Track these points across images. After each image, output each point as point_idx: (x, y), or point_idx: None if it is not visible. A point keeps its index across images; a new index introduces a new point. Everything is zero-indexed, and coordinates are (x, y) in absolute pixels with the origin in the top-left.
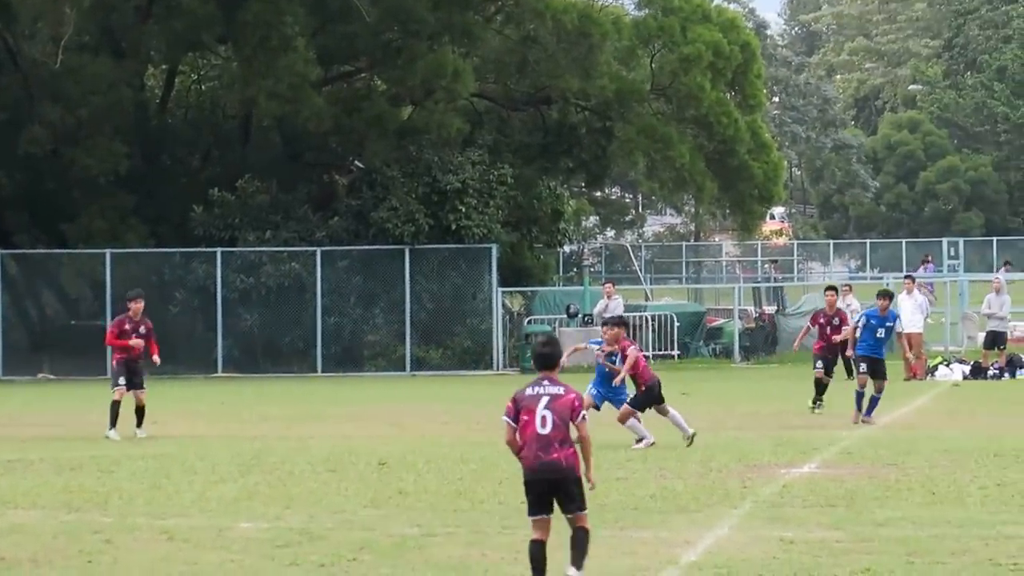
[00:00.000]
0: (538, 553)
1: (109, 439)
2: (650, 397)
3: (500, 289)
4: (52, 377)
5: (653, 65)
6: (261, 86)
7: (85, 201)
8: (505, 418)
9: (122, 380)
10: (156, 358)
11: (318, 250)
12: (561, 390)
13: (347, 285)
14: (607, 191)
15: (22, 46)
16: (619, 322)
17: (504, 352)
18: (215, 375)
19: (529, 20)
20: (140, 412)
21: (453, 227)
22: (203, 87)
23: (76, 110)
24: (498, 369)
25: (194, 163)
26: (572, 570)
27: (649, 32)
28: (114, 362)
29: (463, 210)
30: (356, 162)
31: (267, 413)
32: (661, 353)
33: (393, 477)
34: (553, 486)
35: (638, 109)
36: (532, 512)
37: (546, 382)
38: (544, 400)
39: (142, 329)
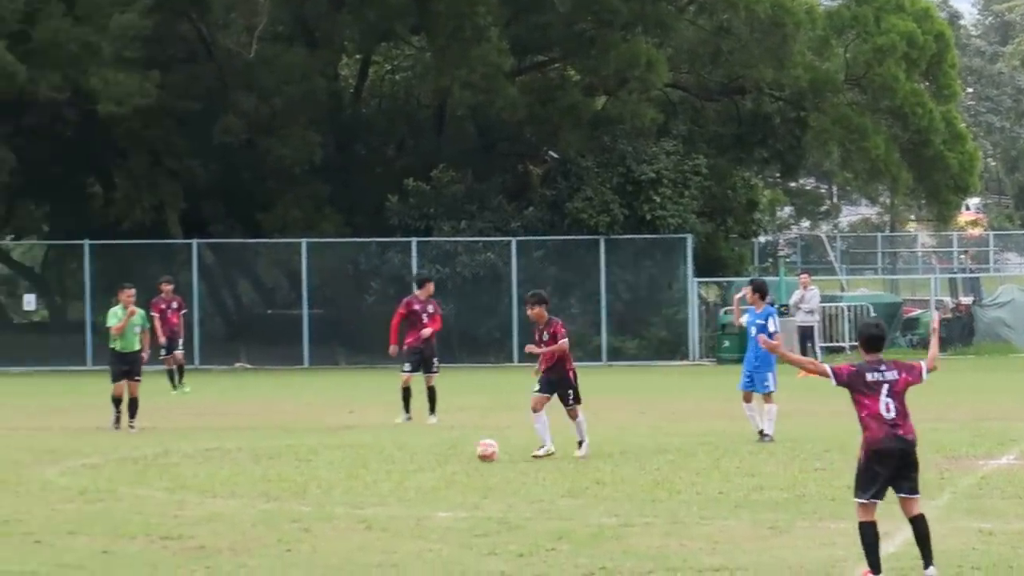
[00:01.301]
0: (873, 534)
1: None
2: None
3: (695, 279)
4: (248, 366)
5: (847, 55)
6: (455, 76)
7: (280, 190)
8: (833, 370)
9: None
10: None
11: (513, 240)
12: (896, 375)
13: (542, 275)
14: (801, 182)
15: (216, 36)
16: (539, 300)
17: (700, 343)
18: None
19: (722, 10)
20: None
21: (648, 217)
22: (397, 77)
23: (270, 100)
24: (694, 360)
25: (388, 152)
26: (932, 570)
27: (843, 22)
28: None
29: (658, 200)
30: (550, 152)
31: (464, 403)
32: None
33: (590, 467)
34: (903, 457)
35: (832, 99)
36: (866, 494)
37: (882, 367)
38: (885, 388)
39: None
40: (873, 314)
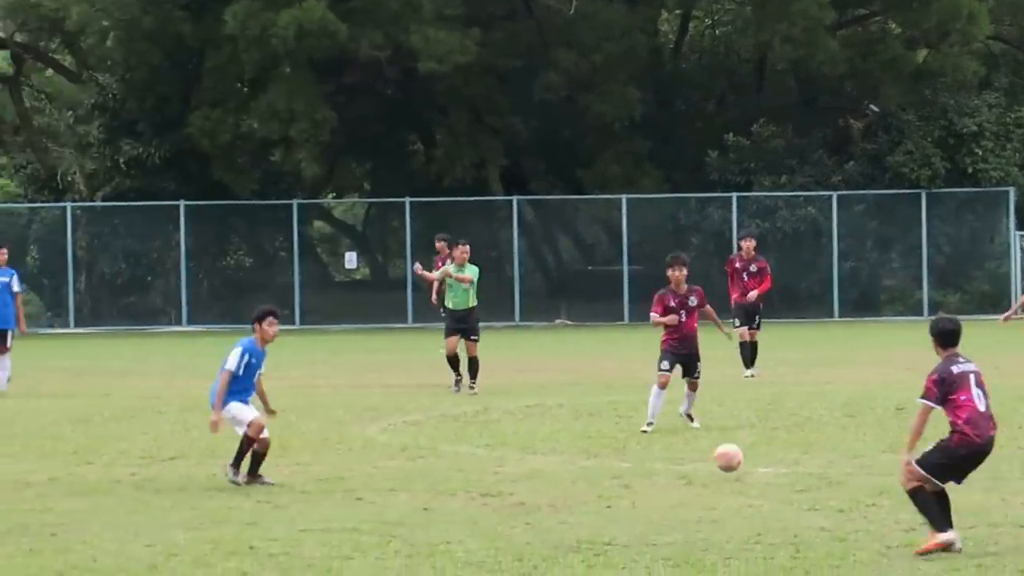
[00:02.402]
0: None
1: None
2: None
3: (1018, 233)
4: (569, 323)
5: None
6: (775, 30)
7: (600, 147)
8: (924, 401)
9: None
10: None
11: (834, 194)
12: (974, 366)
13: (863, 230)
14: None
15: None
16: (684, 262)
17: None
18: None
19: None
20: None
21: (969, 171)
22: (717, 32)
23: (590, 56)
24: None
25: (708, 108)
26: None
27: None
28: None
29: (979, 153)
30: (871, 106)
31: (784, 358)
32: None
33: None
34: (983, 460)
35: None
36: (947, 479)
37: (961, 359)
38: (972, 378)
39: None
40: None
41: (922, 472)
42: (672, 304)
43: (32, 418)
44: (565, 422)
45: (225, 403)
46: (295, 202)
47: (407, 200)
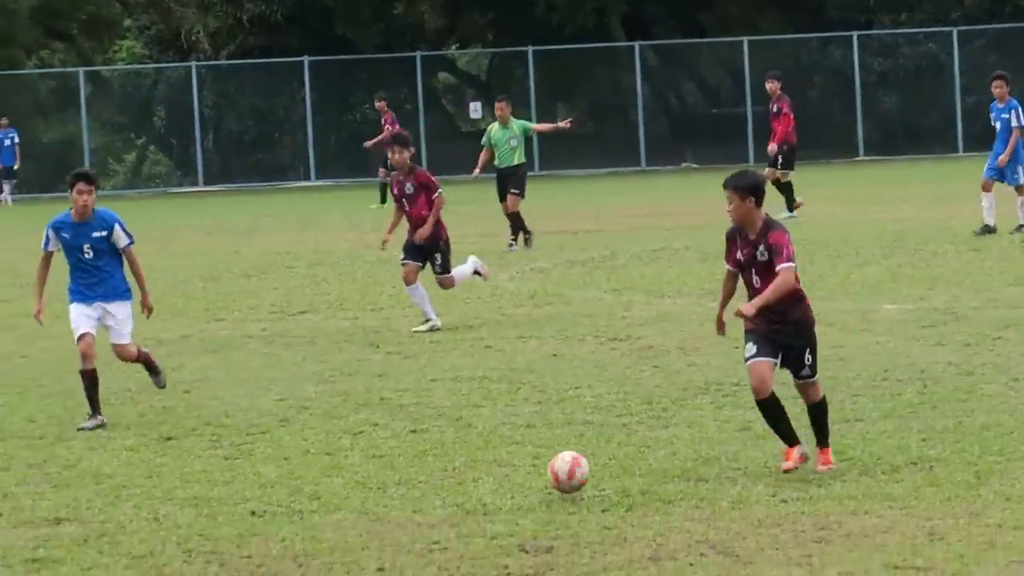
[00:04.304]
0: None
1: None
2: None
3: None
4: (695, 166)
5: None
6: None
7: None
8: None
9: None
10: None
11: (954, 30)
12: None
13: (984, 64)
14: None
15: None
16: (403, 142)
17: None
18: (856, 159)
19: None
20: None
21: None
22: None
23: None
24: None
25: None
26: None
27: None
28: None
29: None
30: None
31: (907, 194)
32: None
33: None
34: None
35: None
36: None
37: None
38: None
39: None
40: None
41: None
42: None
43: (163, 276)
44: (692, 265)
45: (69, 298)
46: (418, 54)
47: (529, 49)
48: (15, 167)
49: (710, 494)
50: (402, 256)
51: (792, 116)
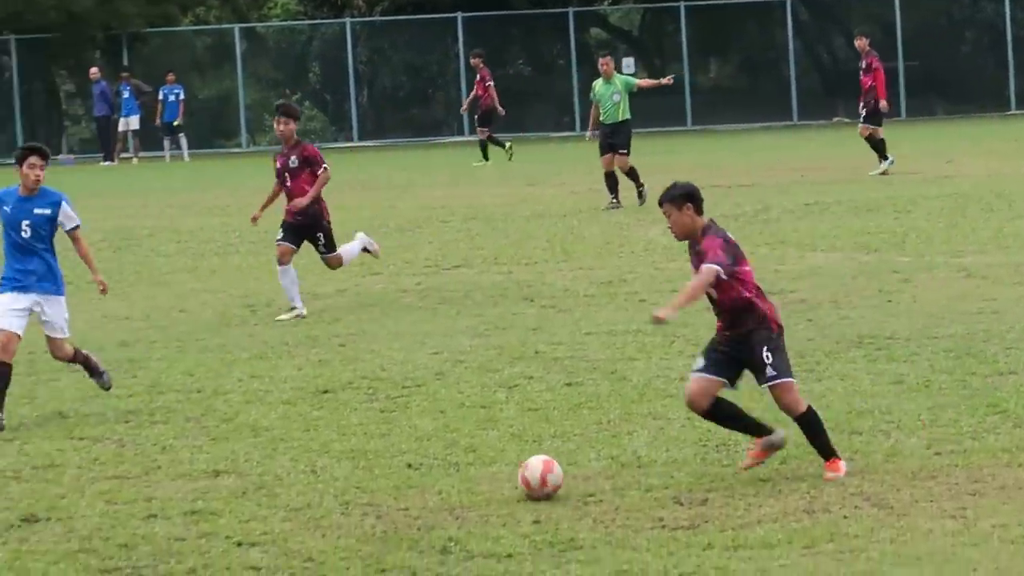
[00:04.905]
0: None
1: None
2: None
3: None
4: (847, 120)
5: None
6: None
7: None
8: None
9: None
10: None
11: None
12: None
13: None
14: None
15: None
16: (288, 112)
17: None
18: (1008, 112)
19: None
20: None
21: None
22: None
23: None
24: None
25: None
26: None
27: None
28: None
29: None
30: None
31: None
32: None
33: None
34: None
35: None
36: None
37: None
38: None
39: None
40: None
41: None
42: None
43: None
44: (844, 218)
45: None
46: (571, 10)
47: (682, 4)
48: (176, 123)
49: (864, 447)
50: (280, 235)
51: (883, 72)
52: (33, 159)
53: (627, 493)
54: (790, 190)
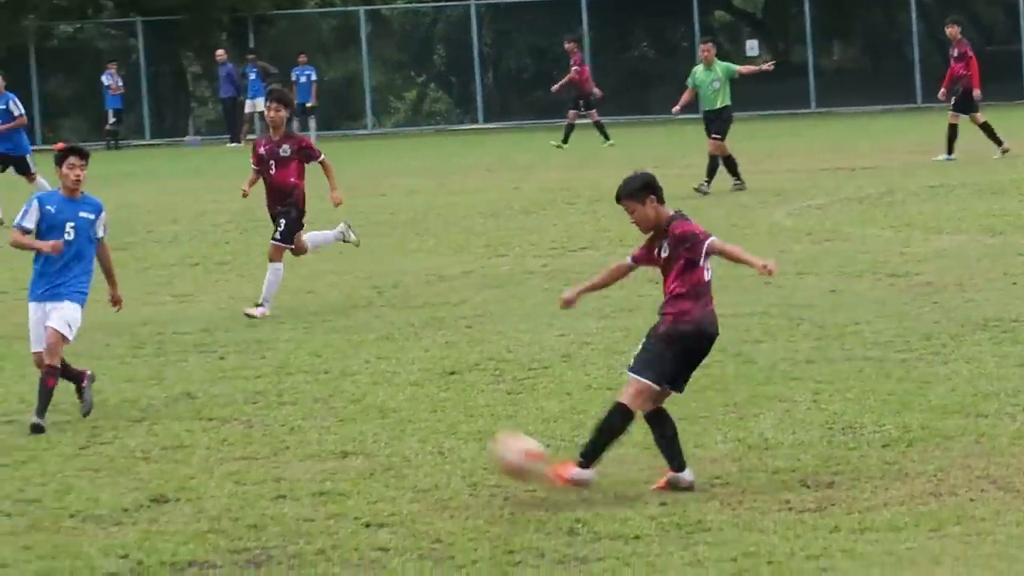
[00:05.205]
0: None
1: None
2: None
3: None
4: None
5: None
6: None
7: None
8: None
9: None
10: None
11: None
12: None
13: None
14: None
15: None
16: (281, 99)
17: None
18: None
19: None
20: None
21: None
22: None
23: None
24: None
25: None
26: None
27: None
28: None
29: None
30: None
31: None
32: None
33: None
34: None
35: None
36: None
37: None
38: None
39: None
40: None
41: None
42: None
43: (444, 213)
44: (969, 201)
45: (31, 292)
46: None
47: None
48: (309, 104)
49: (990, 429)
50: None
51: (975, 59)
52: (73, 159)
53: (754, 475)
54: (914, 172)
